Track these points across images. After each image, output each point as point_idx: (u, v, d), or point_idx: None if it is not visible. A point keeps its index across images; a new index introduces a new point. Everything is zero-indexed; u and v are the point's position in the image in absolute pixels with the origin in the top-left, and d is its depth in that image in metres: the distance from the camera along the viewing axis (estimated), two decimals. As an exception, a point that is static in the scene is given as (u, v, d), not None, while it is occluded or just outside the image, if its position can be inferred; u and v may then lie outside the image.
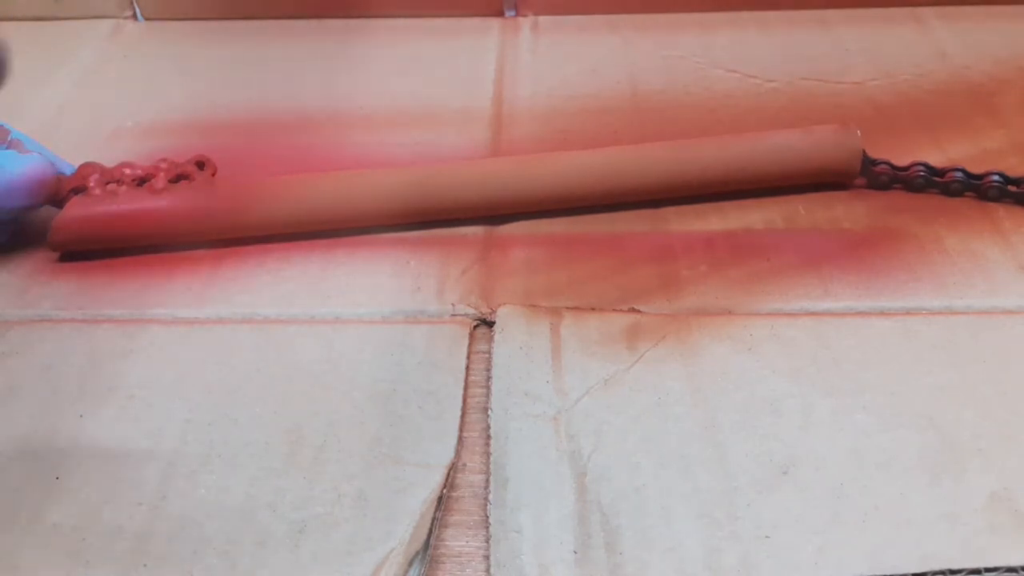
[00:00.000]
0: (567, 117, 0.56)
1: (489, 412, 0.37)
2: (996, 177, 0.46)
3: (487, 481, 0.35)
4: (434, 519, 0.33)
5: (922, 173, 0.47)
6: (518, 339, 0.40)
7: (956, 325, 0.40)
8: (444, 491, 0.34)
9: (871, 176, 0.48)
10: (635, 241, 0.46)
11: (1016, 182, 0.46)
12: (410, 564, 0.32)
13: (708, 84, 0.58)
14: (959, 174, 0.47)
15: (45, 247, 0.46)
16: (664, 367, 0.39)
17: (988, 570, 0.31)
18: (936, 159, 0.49)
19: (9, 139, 0.45)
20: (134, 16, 0.67)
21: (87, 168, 0.46)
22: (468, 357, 0.40)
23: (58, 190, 0.45)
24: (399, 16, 0.66)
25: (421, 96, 0.58)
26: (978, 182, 0.47)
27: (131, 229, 0.45)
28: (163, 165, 0.46)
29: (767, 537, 0.32)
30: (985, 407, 0.37)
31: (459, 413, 0.37)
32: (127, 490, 0.35)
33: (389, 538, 0.32)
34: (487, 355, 0.40)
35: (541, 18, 0.66)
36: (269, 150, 0.53)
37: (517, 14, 0.66)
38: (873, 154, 0.48)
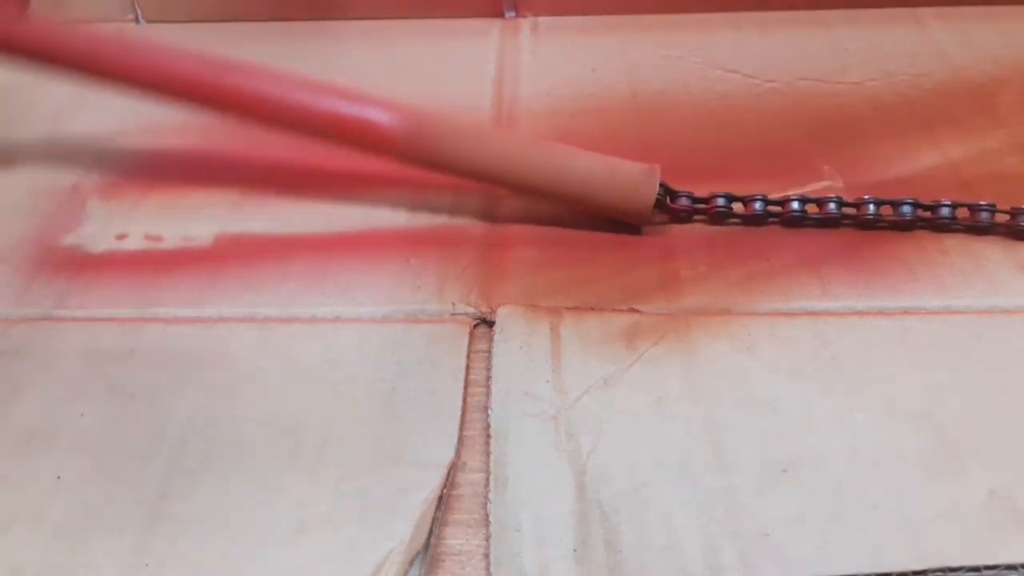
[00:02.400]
0: (567, 117, 0.56)
1: (489, 411, 0.37)
2: (795, 204, 0.45)
3: (487, 480, 0.35)
4: (434, 518, 0.33)
5: (720, 207, 0.46)
6: (518, 339, 0.40)
7: (955, 325, 0.40)
8: (444, 490, 0.34)
9: (671, 212, 0.46)
10: (635, 241, 0.46)
11: (817, 203, 0.45)
12: (410, 564, 0.32)
13: (708, 84, 0.58)
14: (758, 204, 0.45)
15: None
16: (664, 367, 0.39)
17: (987, 568, 0.31)
18: (935, 159, 0.49)
19: None
20: (136, 19, 0.67)
21: None
22: (468, 357, 0.40)
23: None
24: (399, 18, 0.66)
25: (422, 97, 0.57)
26: (779, 208, 0.46)
27: None
28: None
29: (766, 536, 0.32)
30: (984, 406, 0.37)
31: (459, 412, 0.37)
32: (127, 490, 0.35)
33: (389, 538, 0.33)
34: (487, 354, 0.40)
35: (541, 19, 0.66)
36: (270, 149, 0.53)
37: (517, 15, 0.66)
38: (874, 153, 0.48)
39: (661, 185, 0.45)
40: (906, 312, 0.41)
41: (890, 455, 0.35)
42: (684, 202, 0.46)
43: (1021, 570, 0.31)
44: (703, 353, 0.39)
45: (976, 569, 0.31)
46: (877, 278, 0.43)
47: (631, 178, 0.45)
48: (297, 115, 0.45)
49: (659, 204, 0.45)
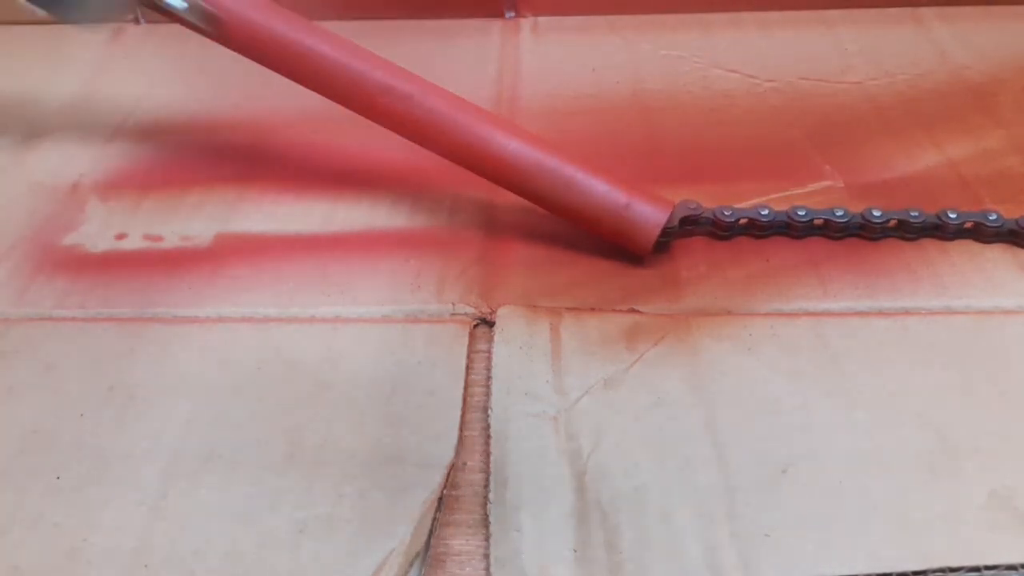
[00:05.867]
0: (567, 117, 0.56)
1: (489, 412, 0.37)
2: (801, 212, 0.45)
3: (487, 480, 0.35)
4: (434, 519, 0.33)
5: (728, 218, 0.45)
6: (518, 339, 0.40)
7: (955, 325, 0.40)
8: (444, 491, 0.34)
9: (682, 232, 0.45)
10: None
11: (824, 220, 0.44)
12: (410, 564, 0.32)
13: (708, 84, 0.58)
14: (765, 212, 0.45)
15: None
16: (664, 367, 0.39)
17: (988, 568, 0.31)
18: (935, 159, 0.49)
19: None
20: (136, 20, 0.67)
21: None
22: (468, 357, 0.40)
23: None
24: (399, 18, 0.66)
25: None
26: (785, 219, 0.45)
27: None
28: None
29: (766, 536, 0.32)
30: (984, 406, 0.37)
31: (459, 413, 0.37)
32: (128, 490, 0.35)
33: (389, 538, 0.33)
34: (487, 355, 0.40)
35: (541, 19, 0.66)
36: (269, 149, 0.53)
37: (517, 15, 0.66)
38: (874, 153, 0.47)
39: (663, 231, 0.43)
40: (906, 312, 0.41)
41: (890, 455, 0.35)
42: (692, 227, 0.45)
43: (1021, 570, 0.31)
44: (703, 353, 0.39)
45: (976, 569, 0.31)
46: (877, 278, 0.43)
47: (632, 222, 0.43)
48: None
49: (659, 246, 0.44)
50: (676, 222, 0.44)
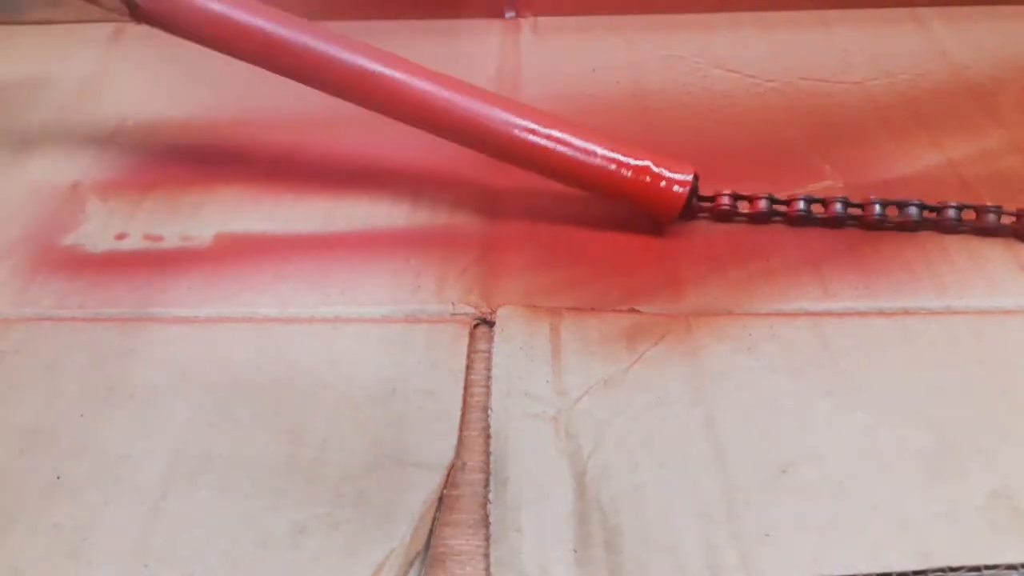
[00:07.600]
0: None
1: (489, 412, 0.37)
2: (801, 204, 0.45)
3: (487, 480, 0.35)
4: (434, 519, 0.33)
5: (726, 206, 0.46)
6: (518, 339, 0.40)
7: (955, 325, 0.40)
8: (444, 491, 0.34)
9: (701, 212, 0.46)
10: (635, 241, 0.46)
11: (822, 202, 0.45)
12: (410, 564, 0.32)
13: (708, 84, 0.58)
14: (763, 203, 0.46)
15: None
16: (664, 367, 0.39)
17: (987, 568, 0.31)
18: (935, 159, 0.49)
19: None
20: (137, 20, 0.67)
21: None
22: (468, 357, 0.40)
23: None
24: (400, 19, 0.66)
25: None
26: (785, 208, 0.46)
27: None
28: None
29: (766, 536, 0.32)
30: (985, 406, 0.37)
31: (459, 413, 0.37)
32: (127, 490, 0.35)
33: (389, 538, 0.33)
34: (487, 355, 0.40)
35: (541, 19, 0.66)
36: (269, 149, 0.53)
37: (517, 15, 0.66)
38: (874, 153, 0.48)
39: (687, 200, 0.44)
40: (906, 312, 0.41)
41: (890, 455, 0.35)
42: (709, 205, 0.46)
43: (1021, 570, 0.31)
44: (703, 353, 0.39)
45: (976, 569, 0.31)
46: (877, 278, 0.43)
47: (658, 186, 0.44)
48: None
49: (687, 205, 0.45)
50: (697, 187, 0.44)
